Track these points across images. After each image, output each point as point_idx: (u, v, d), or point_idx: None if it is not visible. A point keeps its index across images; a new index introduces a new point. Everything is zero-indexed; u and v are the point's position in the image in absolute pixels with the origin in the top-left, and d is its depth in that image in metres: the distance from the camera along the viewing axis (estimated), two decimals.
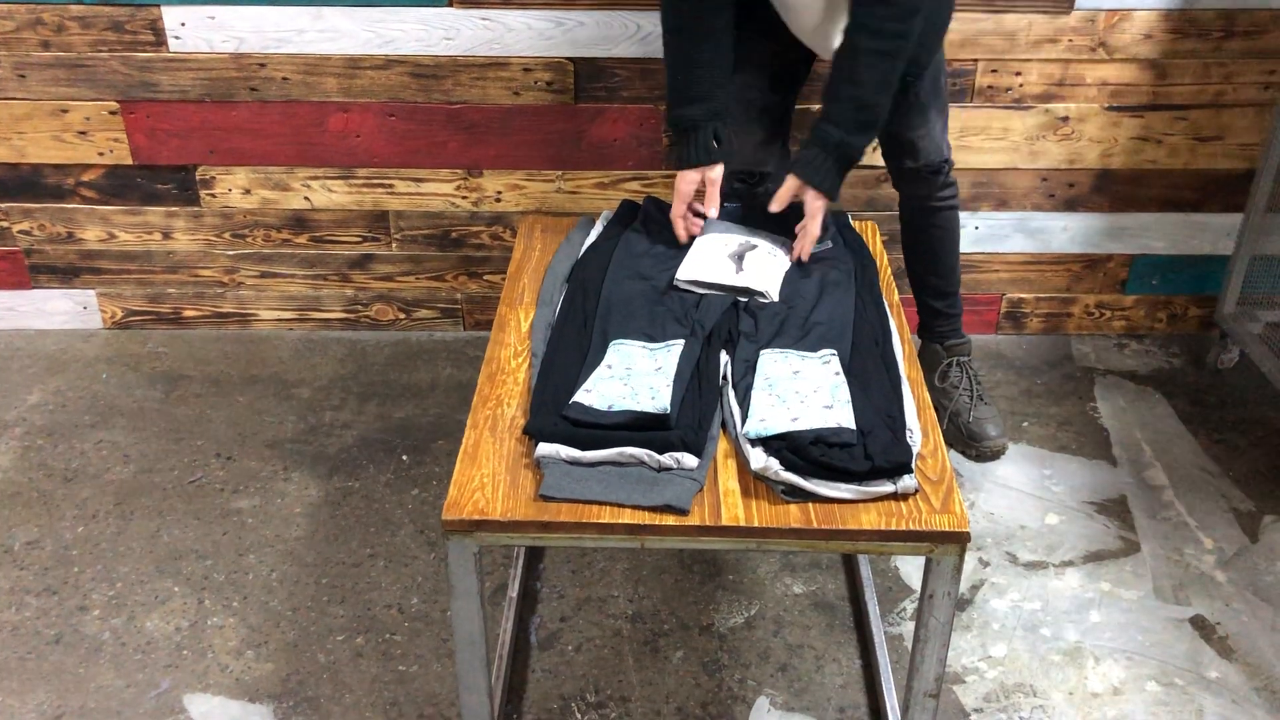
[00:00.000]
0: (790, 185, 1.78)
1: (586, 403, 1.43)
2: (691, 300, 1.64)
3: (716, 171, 1.85)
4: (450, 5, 2.37)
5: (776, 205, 1.78)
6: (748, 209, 1.88)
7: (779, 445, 1.37)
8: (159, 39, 2.40)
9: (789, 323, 1.60)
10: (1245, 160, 2.54)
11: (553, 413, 1.44)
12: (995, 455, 2.32)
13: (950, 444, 2.34)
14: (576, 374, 1.51)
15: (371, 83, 2.45)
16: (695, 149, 1.83)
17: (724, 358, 1.55)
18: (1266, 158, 2.41)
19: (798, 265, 1.74)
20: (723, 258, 1.72)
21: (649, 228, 1.84)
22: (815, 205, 1.76)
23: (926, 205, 2.22)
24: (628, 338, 1.56)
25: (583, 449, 1.38)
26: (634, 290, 1.67)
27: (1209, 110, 2.48)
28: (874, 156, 2.51)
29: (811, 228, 1.76)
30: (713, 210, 1.84)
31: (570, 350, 1.57)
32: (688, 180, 1.83)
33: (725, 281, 1.66)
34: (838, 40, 1.80)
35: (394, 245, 2.65)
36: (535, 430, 1.42)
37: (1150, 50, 2.41)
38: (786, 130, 2.15)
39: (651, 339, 1.56)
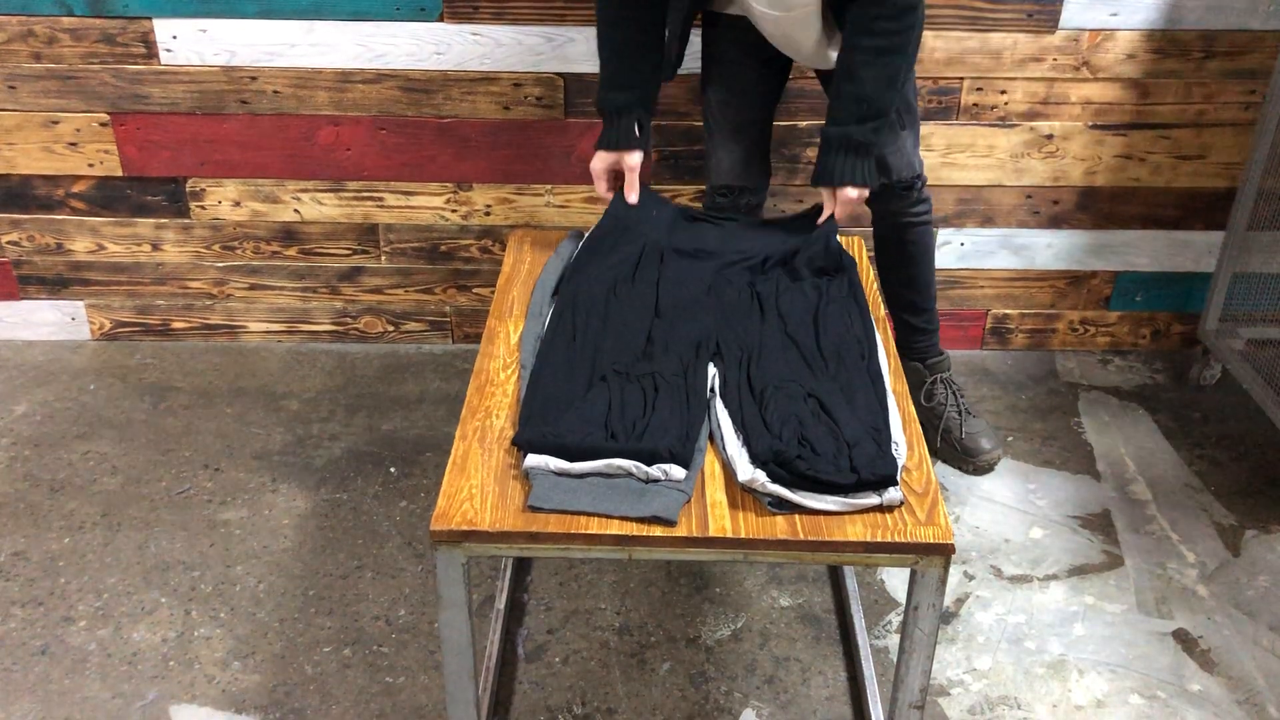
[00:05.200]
0: (826, 197, 1.82)
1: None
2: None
3: (634, 158, 1.89)
4: (441, 20, 2.39)
5: (824, 219, 1.82)
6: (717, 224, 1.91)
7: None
8: (150, 51, 2.41)
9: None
10: (1226, 179, 2.57)
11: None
12: (991, 467, 2.34)
13: (945, 460, 2.36)
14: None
15: (362, 96, 2.46)
16: (616, 133, 1.89)
17: (711, 370, 1.56)
18: (1247, 176, 2.44)
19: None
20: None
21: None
22: (847, 195, 1.80)
23: (900, 221, 2.23)
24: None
25: (571, 460, 1.39)
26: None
27: (1191, 129, 2.51)
28: None
29: (830, 208, 1.82)
30: (633, 196, 1.89)
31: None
32: (601, 160, 1.90)
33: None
34: (835, 54, 1.83)
35: (383, 258, 2.66)
36: (524, 442, 1.43)
37: (1133, 70, 2.44)
38: (767, 145, 2.17)
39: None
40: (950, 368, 2.42)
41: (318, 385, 2.60)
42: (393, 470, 2.33)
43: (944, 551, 1.34)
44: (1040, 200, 2.59)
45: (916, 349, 2.39)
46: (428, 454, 2.37)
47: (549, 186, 2.57)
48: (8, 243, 2.64)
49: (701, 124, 2.21)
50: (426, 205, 2.59)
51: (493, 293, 1.83)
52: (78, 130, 2.50)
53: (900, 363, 1.67)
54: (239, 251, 2.65)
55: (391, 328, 2.75)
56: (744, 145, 2.13)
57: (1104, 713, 1.83)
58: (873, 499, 1.36)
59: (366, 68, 2.43)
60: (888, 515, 1.36)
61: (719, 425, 1.48)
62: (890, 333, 1.73)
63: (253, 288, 2.69)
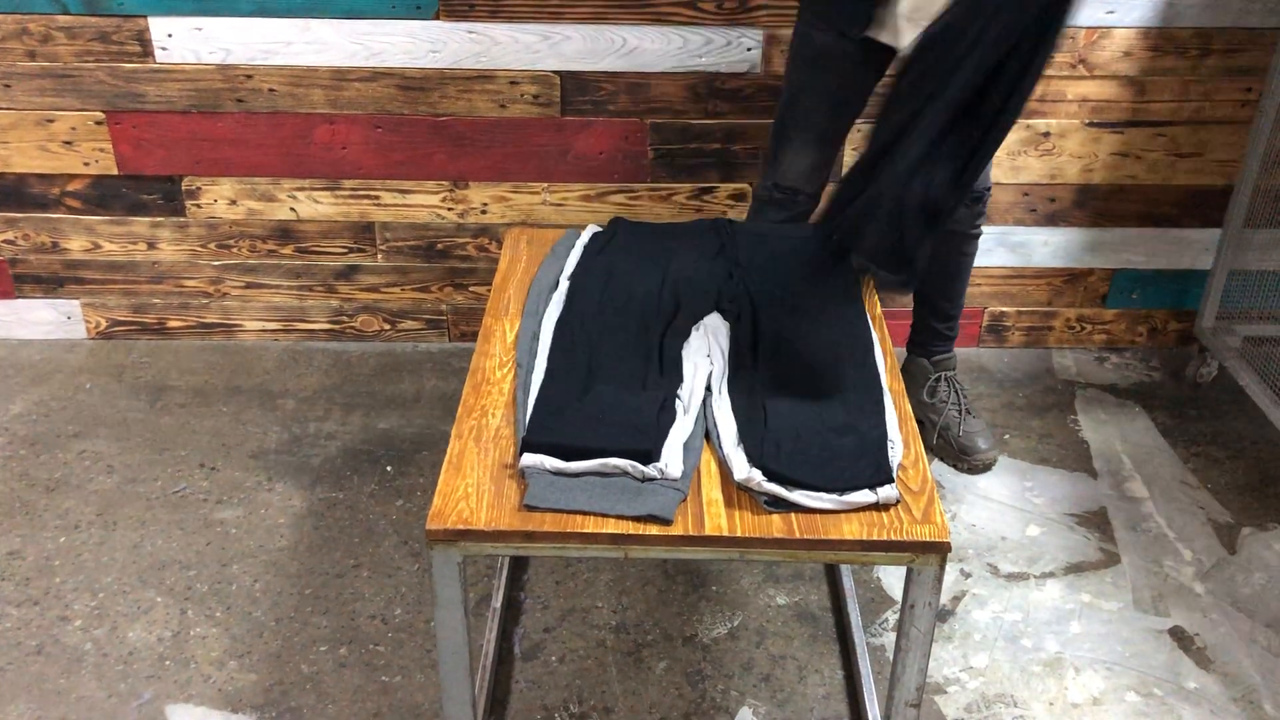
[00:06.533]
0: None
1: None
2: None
3: None
4: (437, 18, 2.38)
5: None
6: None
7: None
8: (145, 49, 2.41)
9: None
10: (1223, 176, 2.57)
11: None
12: (987, 467, 2.34)
13: (941, 458, 2.37)
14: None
15: (358, 94, 2.46)
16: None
17: (718, 366, 1.56)
18: (1244, 174, 2.44)
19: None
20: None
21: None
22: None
23: (961, 232, 2.23)
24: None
25: (567, 459, 1.39)
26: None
27: (1188, 127, 2.51)
28: None
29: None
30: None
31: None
32: None
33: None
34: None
35: (380, 256, 2.65)
36: (534, 442, 1.41)
37: (1130, 68, 2.44)
38: (835, 154, 2.14)
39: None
40: (955, 367, 2.42)
41: (314, 384, 2.59)
42: (389, 469, 2.32)
43: (940, 550, 1.34)
44: (1037, 198, 2.59)
45: (930, 350, 2.39)
46: (424, 453, 2.37)
47: (545, 184, 2.57)
48: (3, 241, 2.63)
49: (770, 122, 2.16)
50: (423, 203, 2.59)
51: (489, 291, 1.83)
52: (73, 129, 2.49)
53: (895, 360, 1.67)
54: (235, 250, 2.64)
55: (388, 326, 2.74)
56: (823, 153, 2.09)
57: (1100, 710, 1.83)
58: (869, 497, 1.36)
59: (362, 66, 2.43)
60: (884, 514, 1.36)
61: (715, 424, 1.48)
62: (887, 331, 1.73)
63: (249, 286, 2.69)
